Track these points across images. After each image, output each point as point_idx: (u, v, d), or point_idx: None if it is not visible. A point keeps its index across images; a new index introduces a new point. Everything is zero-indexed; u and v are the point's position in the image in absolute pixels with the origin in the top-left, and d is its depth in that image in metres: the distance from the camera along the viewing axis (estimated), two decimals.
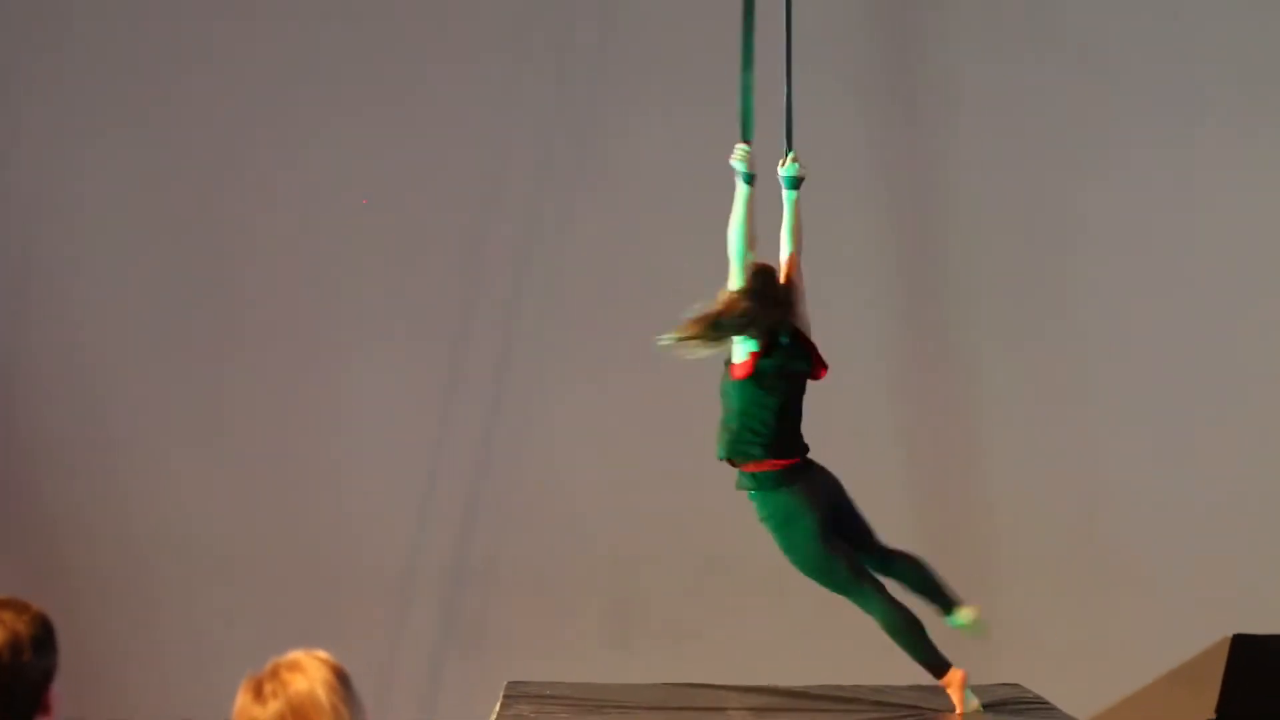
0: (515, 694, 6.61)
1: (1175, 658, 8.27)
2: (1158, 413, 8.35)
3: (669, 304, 8.44)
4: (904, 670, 6.34)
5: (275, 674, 2.72)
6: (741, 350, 5.79)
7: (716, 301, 5.67)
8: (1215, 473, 8.26)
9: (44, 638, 2.83)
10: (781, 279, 5.87)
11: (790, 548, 5.83)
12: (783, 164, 5.96)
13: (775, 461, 5.84)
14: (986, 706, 6.22)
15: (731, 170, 5.90)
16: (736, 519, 8.53)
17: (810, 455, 6.01)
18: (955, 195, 8.45)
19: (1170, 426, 8.33)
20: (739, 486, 5.98)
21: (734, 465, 5.95)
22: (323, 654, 2.77)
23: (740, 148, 5.70)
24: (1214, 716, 7.99)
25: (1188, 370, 8.33)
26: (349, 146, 8.62)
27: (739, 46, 5.80)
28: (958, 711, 5.82)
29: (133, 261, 8.71)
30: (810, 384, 5.95)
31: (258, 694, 2.71)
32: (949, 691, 5.93)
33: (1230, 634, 8.02)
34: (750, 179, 5.64)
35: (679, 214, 8.31)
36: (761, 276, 5.78)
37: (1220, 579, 8.21)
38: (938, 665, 5.95)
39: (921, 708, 6.35)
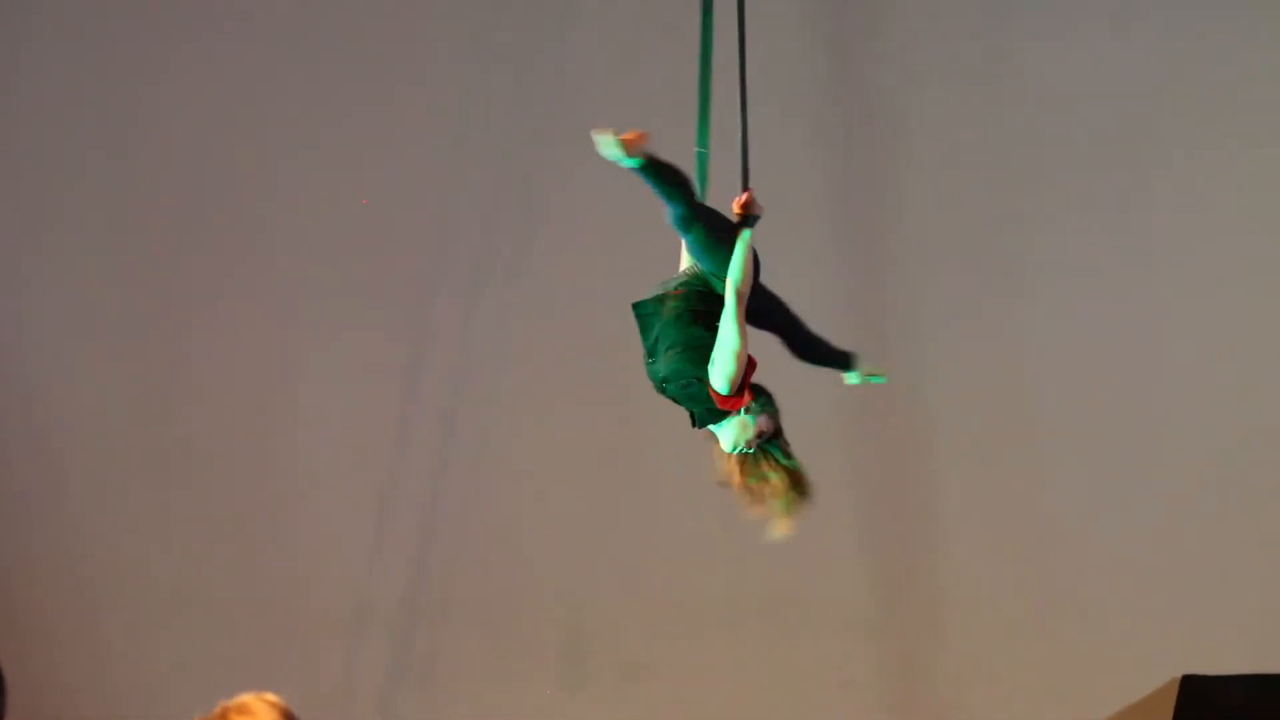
0: None
1: (1124, 698, 8.29)
2: (1108, 453, 8.38)
3: (623, 341, 8.47)
4: (863, 708, 6.34)
5: (224, 717, 2.72)
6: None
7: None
8: (1166, 514, 8.30)
9: None
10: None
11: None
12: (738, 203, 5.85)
13: None
14: None
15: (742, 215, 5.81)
16: (690, 555, 8.56)
17: None
18: (905, 234, 8.47)
19: (1121, 467, 8.36)
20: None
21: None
22: (271, 696, 2.77)
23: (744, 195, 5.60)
24: None
25: (1138, 410, 8.37)
26: (297, 184, 8.59)
27: (695, 88, 5.78)
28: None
29: (86, 301, 8.67)
30: None
31: None
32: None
33: (1179, 675, 8.06)
34: (749, 222, 5.53)
35: (635, 249, 8.31)
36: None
37: (1170, 619, 8.24)
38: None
39: None
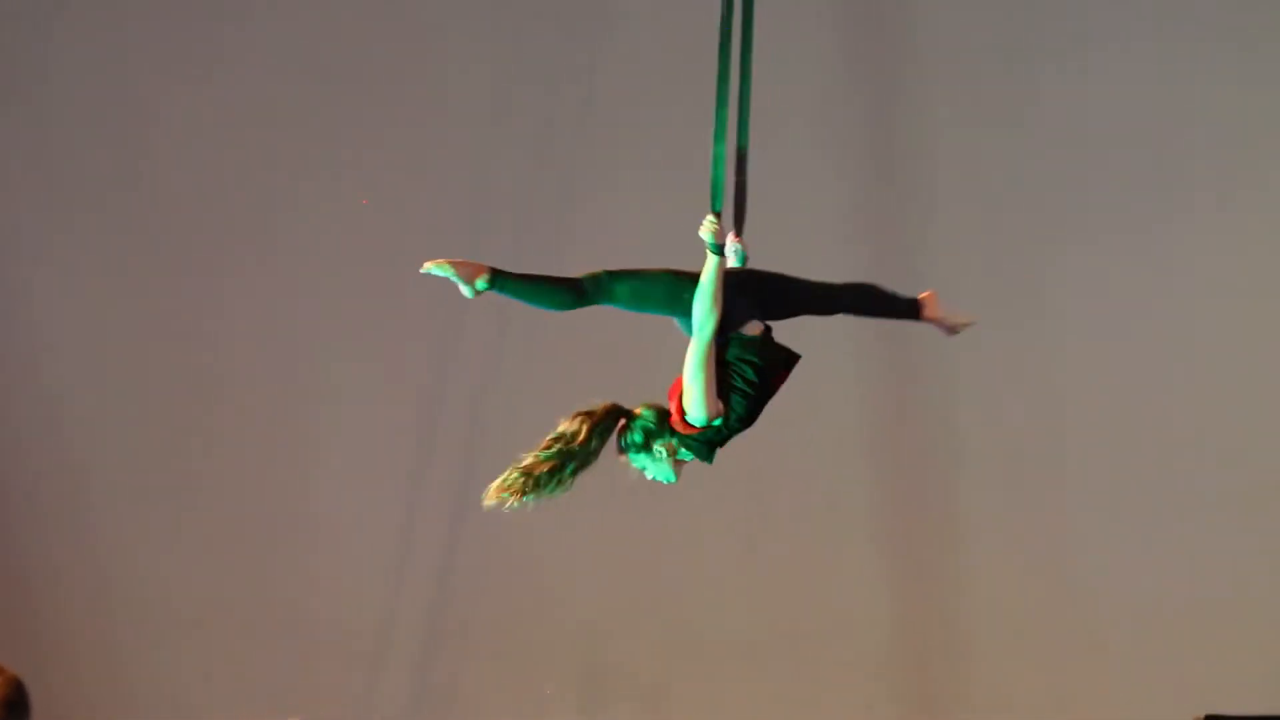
0: None
1: None
2: (1133, 488, 8.35)
3: (644, 373, 8.47)
4: None
5: None
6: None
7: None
8: (1188, 552, 8.26)
9: (17, 700, 2.84)
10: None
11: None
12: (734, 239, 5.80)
13: None
14: None
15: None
16: (709, 588, 8.55)
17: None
18: (930, 264, 8.45)
19: (1146, 502, 8.32)
20: None
21: None
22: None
23: (709, 219, 5.60)
24: None
25: (1164, 444, 8.33)
26: (322, 213, 8.62)
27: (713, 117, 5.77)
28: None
29: (108, 326, 8.69)
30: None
31: None
32: None
33: (1202, 715, 8.03)
34: (720, 250, 5.53)
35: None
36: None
37: (1194, 658, 8.20)
38: None
39: None
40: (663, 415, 5.34)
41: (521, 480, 5.46)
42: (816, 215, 8.32)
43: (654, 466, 5.45)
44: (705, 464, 5.38)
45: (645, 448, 5.42)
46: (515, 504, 5.47)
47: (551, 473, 5.48)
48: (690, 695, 8.55)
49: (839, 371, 8.30)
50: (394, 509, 8.65)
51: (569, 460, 5.45)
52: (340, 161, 8.61)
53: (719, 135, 5.53)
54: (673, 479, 5.43)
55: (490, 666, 8.61)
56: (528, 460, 5.45)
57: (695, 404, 5.23)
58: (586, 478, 8.40)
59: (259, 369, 8.68)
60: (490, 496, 5.43)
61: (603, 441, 5.42)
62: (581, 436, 5.44)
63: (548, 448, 5.43)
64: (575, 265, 8.45)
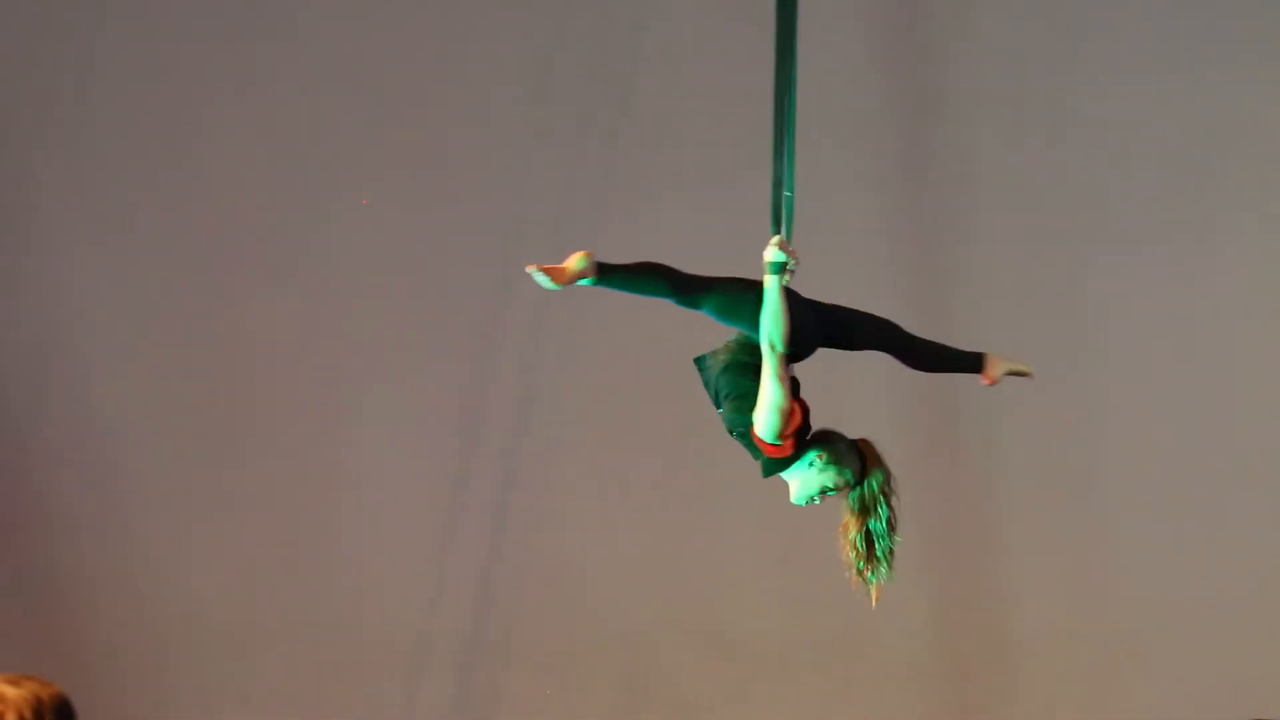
0: None
1: None
2: (1174, 498, 8.33)
3: (682, 385, 8.47)
4: None
5: None
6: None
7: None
8: (1231, 556, 8.24)
9: (66, 717, 2.86)
10: None
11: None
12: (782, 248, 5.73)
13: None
14: None
15: (765, 262, 5.75)
16: (749, 598, 8.55)
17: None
18: (969, 276, 8.46)
19: (1186, 511, 8.31)
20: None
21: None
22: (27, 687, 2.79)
23: (774, 241, 5.55)
24: None
25: (1202, 454, 8.31)
26: (360, 227, 8.65)
27: (769, 136, 5.72)
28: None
29: (147, 338, 8.74)
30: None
31: None
32: None
33: (1250, 719, 8.01)
34: (780, 268, 5.46)
35: None
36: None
37: (1240, 661, 8.18)
38: None
39: None
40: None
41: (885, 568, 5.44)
42: (851, 225, 8.32)
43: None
44: (760, 478, 5.36)
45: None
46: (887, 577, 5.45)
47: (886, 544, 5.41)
48: (729, 707, 8.55)
49: (874, 377, 8.31)
50: (434, 519, 8.68)
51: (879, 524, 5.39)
52: (380, 173, 8.64)
53: (778, 156, 5.51)
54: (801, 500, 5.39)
55: (530, 678, 8.63)
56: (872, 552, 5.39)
57: (765, 422, 5.17)
58: (628, 485, 8.47)
59: (299, 380, 8.72)
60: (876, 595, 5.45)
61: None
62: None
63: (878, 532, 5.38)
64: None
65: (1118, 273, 8.33)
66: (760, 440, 5.19)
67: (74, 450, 8.77)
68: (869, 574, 5.36)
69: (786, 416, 5.14)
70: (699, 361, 5.46)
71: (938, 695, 8.47)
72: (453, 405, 8.66)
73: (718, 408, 5.36)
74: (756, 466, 5.71)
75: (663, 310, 8.37)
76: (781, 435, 5.16)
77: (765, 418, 5.14)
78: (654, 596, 8.57)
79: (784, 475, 5.31)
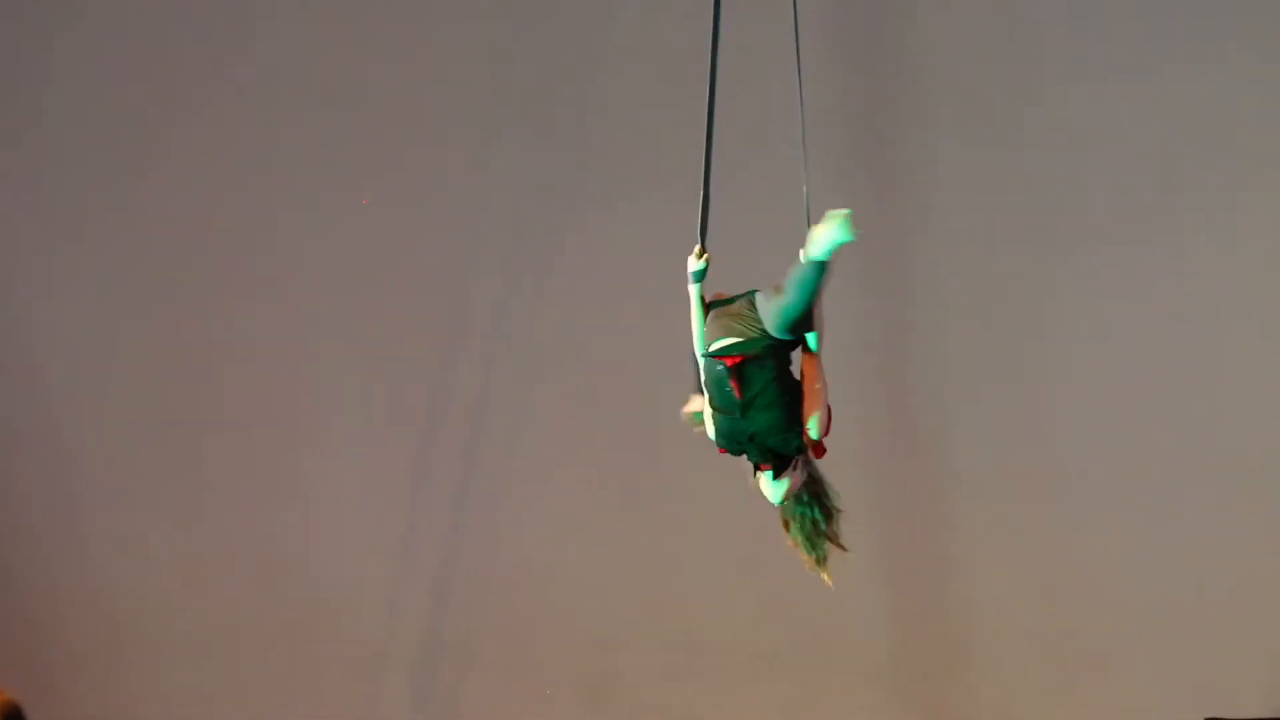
0: None
1: None
2: (1130, 497, 8.35)
3: (645, 389, 8.47)
4: None
5: None
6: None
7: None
8: (1192, 557, 8.25)
9: None
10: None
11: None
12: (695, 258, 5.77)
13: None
14: None
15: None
16: (714, 601, 8.55)
17: None
18: (928, 279, 8.47)
19: (1146, 511, 8.31)
20: None
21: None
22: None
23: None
24: None
25: (1163, 455, 8.32)
26: (321, 235, 8.64)
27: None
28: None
29: (110, 345, 8.72)
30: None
31: None
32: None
33: (1204, 717, 8.03)
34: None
35: (650, 302, 8.34)
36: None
37: (1198, 662, 8.20)
38: None
39: None
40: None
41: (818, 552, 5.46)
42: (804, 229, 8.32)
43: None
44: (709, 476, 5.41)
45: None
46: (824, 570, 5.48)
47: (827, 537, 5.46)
48: (692, 708, 8.55)
49: (835, 385, 8.30)
50: (394, 522, 8.66)
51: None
52: (338, 184, 8.63)
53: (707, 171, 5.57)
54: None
55: (493, 678, 8.62)
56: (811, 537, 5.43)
57: (822, 422, 5.31)
58: (590, 487, 8.48)
59: (259, 387, 8.70)
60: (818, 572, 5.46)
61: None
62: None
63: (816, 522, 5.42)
64: (568, 283, 8.54)
65: (1078, 274, 8.34)
66: (811, 441, 5.28)
67: (34, 455, 8.73)
68: (816, 557, 5.40)
69: (827, 415, 5.30)
70: (743, 362, 5.35)
71: (901, 697, 8.48)
72: (412, 409, 8.65)
73: (738, 413, 5.33)
74: (720, 471, 5.76)
75: (625, 313, 8.43)
76: (826, 429, 5.30)
77: (823, 417, 5.29)
78: (617, 600, 8.56)
79: (775, 482, 5.37)
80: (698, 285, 5.53)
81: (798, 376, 5.37)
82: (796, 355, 5.41)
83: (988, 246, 8.37)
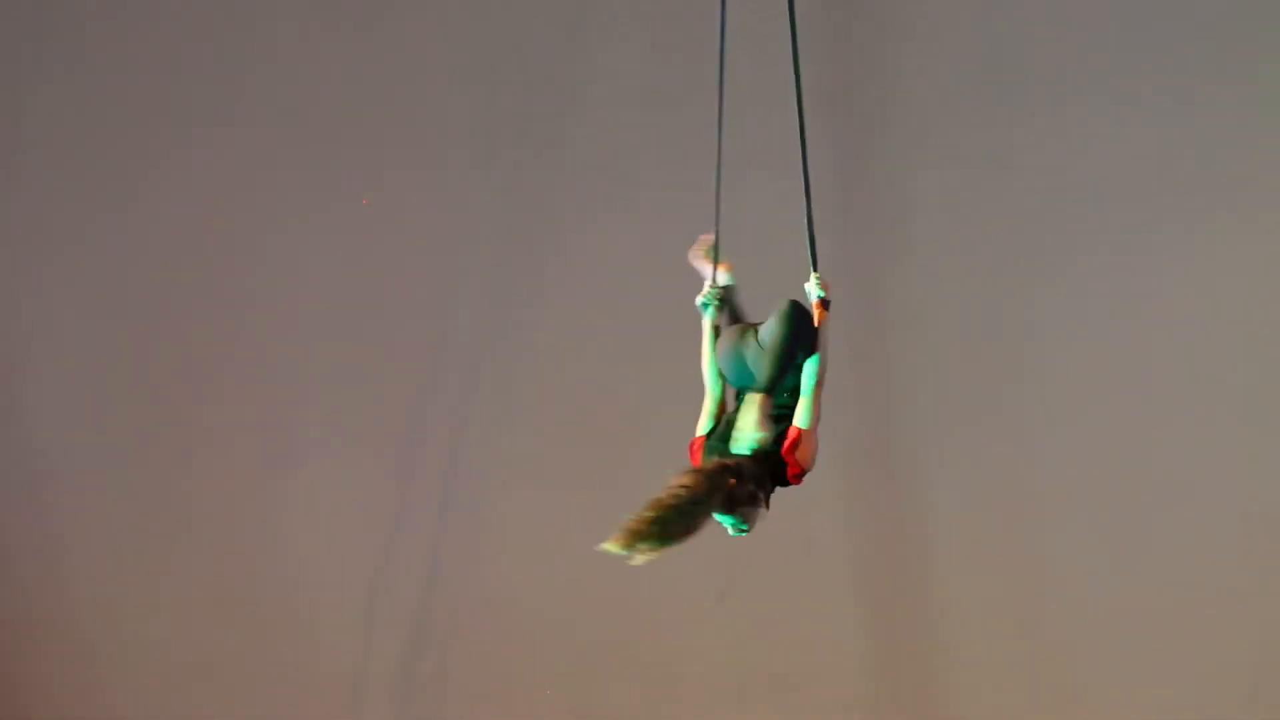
0: None
1: None
2: (1108, 524, 8.33)
3: (619, 411, 8.45)
4: None
5: None
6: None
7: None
8: (1167, 583, 8.24)
9: None
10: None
11: None
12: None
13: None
14: None
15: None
16: (691, 632, 8.52)
17: None
18: (904, 313, 8.45)
19: (1121, 538, 8.31)
20: None
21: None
22: None
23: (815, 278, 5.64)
24: None
25: (1137, 481, 8.30)
26: (300, 257, 8.63)
27: (705, 165, 5.75)
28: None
29: (85, 370, 8.70)
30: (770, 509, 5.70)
31: None
32: None
33: None
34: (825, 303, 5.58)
35: (630, 322, 8.33)
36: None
37: (1172, 688, 8.19)
38: None
39: None
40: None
41: (659, 529, 4.95)
42: (790, 263, 8.30)
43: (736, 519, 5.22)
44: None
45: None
46: (644, 555, 4.99)
47: (686, 522, 5.01)
48: None
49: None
50: (371, 551, 8.65)
51: (699, 509, 5.03)
52: (321, 201, 8.62)
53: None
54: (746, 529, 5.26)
55: (469, 708, 8.60)
56: (655, 510, 4.95)
57: (813, 450, 5.27)
58: (569, 515, 8.45)
59: (236, 417, 8.68)
60: (619, 543, 4.93)
61: (721, 495, 5.11)
62: (703, 489, 5.04)
63: (674, 500, 4.97)
64: (547, 312, 8.52)
65: (1058, 302, 8.33)
66: (796, 462, 5.21)
67: (10, 486, 8.69)
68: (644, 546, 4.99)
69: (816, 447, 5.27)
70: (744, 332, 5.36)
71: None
72: (388, 437, 8.62)
73: (727, 441, 5.27)
74: None
75: (607, 338, 8.42)
76: (811, 461, 5.24)
77: (814, 445, 5.24)
78: (594, 630, 8.53)
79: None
80: (709, 315, 5.46)
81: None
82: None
83: (967, 274, 8.37)
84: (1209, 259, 8.16)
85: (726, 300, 5.54)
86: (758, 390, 5.27)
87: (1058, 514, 8.31)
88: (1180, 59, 8.14)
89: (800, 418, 5.20)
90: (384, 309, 8.65)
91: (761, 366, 5.28)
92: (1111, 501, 8.26)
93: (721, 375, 5.35)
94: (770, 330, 5.28)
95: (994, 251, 8.34)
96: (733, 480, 5.06)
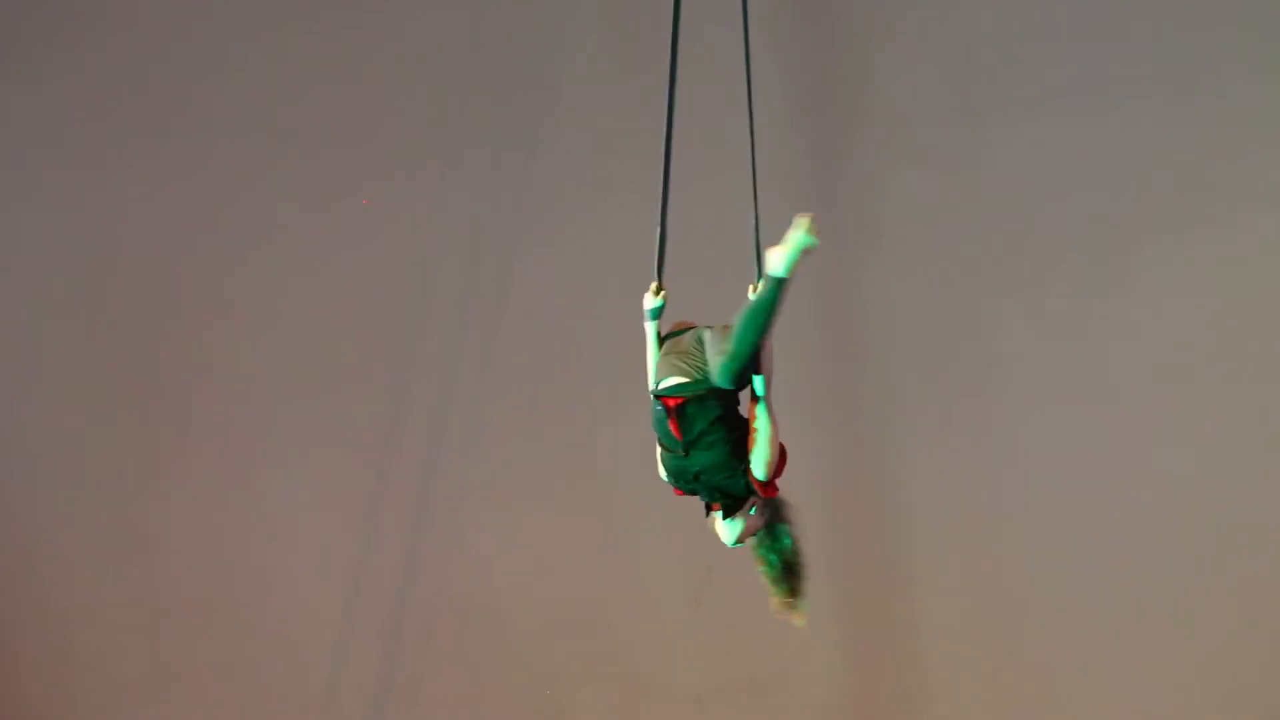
0: None
1: None
2: (1081, 533, 8.36)
3: (594, 421, 8.45)
4: None
5: None
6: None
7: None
8: (1144, 595, 8.27)
9: None
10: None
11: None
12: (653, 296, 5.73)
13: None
14: None
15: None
16: (666, 641, 8.53)
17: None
18: (880, 318, 8.47)
19: (1095, 549, 8.34)
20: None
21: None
22: None
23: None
24: None
25: (1109, 490, 8.33)
26: (275, 268, 8.62)
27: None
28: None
29: (61, 377, 8.70)
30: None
31: None
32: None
33: None
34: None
35: (603, 331, 8.32)
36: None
37: (1149, 700, 8.23)
38: None
39: None
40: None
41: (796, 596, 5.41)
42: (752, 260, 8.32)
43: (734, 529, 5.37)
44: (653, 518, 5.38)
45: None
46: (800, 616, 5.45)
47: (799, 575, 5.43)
48: None
49: (786, 421, 8.28)
50: (344, 562, 8.66)
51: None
52: (300, 209, 8.62)
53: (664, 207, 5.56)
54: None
55: (444, 718, 8.59)
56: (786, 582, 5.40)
57: (768, 463, 5.28)
58: (539, 527, 8.45)
59: (212, 427, 8.69)
60: (793, 612, 5.44)
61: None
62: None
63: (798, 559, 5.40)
64: (522, 319, 8.51)
65: (1026, 310, 8.35)
66: (757, 482, 5.23)
67: None
68: (794, 599, 5.35)
69: (780, 456, 5.26)
70: (685, 404, 5.31)
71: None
72: (364, 448, 8.63)
73: (683, 451, 5.30)
74: (672, 510, 5.72)
75: (573, 349, 8.41)
76: (773, 470, 5.23)
77: (769, 458, 5.22)
78: (565, 640, 8.55)
79: (729, 521, 5.30)
80: (654, 322, 5.51)
81: (747, 414, 5.32)
82: (745, 392, 5.37)
83: (938, 282, 8.39)
84: (1179, 264, 8.20)
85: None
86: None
87: (1032, 521, 8.33)
88: (1151, 68, 8.18)
89: (757, 467, 5.22)
90: (360, 318, 8.66)
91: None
92: (1085, 509, 8.28)
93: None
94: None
95: (967, 255, 8.36)
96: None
